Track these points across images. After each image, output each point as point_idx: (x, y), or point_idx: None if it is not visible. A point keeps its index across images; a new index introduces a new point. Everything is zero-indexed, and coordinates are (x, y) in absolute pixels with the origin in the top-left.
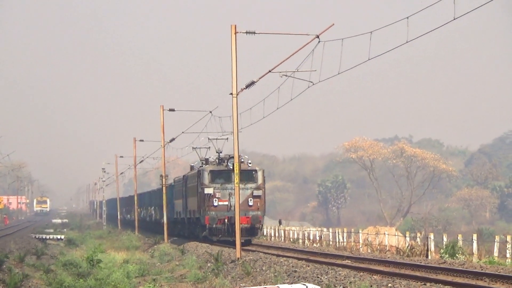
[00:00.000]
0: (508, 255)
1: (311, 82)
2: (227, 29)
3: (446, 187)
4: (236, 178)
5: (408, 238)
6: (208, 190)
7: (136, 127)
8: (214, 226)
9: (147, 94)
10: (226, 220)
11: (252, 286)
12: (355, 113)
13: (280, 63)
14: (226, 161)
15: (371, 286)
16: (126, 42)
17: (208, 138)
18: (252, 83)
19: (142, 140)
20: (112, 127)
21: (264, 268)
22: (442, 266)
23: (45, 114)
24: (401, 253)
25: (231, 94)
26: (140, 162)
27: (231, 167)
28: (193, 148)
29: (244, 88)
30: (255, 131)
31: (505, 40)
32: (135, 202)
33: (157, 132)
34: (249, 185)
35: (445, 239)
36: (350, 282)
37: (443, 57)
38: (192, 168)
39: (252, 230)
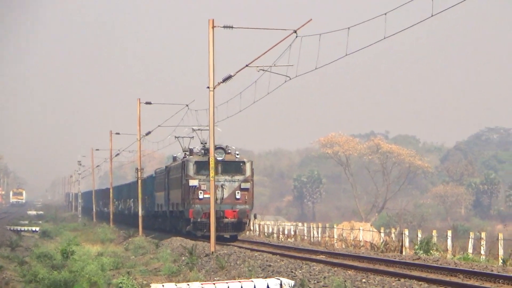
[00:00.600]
0: (482, 252)
1: (288, 77)
2: (205, 23)
3: (421, 183)
4: (211, 172)
5: (382, 234)
6: (193, 182)
7: (112, 120)
8: (199, 220)
9: (124, 87)
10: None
11: (226, 280)
12: (332, 108)
13: (257, 58)
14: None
15: (345, 281)
16: (104, 34)
17: (192, 129)
18: (229, 77)
19: (118, 133)
20: (89, 120)
21: (238, 262)
22: (416, 262)
23: (21, 106)
24: (376, 249)
25: (208, 87)
26: (116, 155)
27: (218, 158)
28: (175, 137)
29: (221, 82)
30: (232, 125)
31: (482, 39)
32: (111, 194)
33: (134, 125)
34: (237, 177)
35: (419, 235)
36: (324, 277)
37: (420, 54)
38: (174, 159)
39: (238, 225)
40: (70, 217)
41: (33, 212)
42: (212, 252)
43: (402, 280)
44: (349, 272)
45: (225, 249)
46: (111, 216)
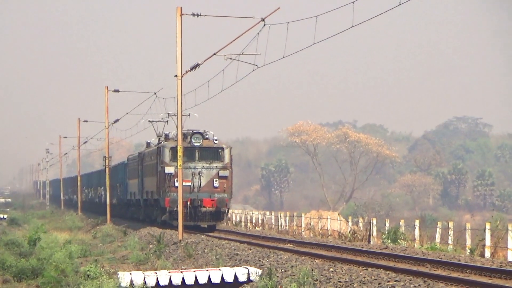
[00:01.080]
0: (450, 242)
1: (256, 65)
2: (173, 11)
3: (389, 173)
4: (179, 160)
5: (350, 223)
6: (169, 169)
7: (80, 107)
8: (175, 209)
9: (91, 74)
10: (188, 203)
11: (194, 268)
12: (300, 97)
13: (225, 46)
14: (189, 137)
15: (312, 270)
16: (71, 20)
17: (168, 114)
18: (197, 65)
19: (86, 121)
20: (56, 107)
21: (206, 250)
22: (383, 251)
23: None
24: (343, 238)
25: (176, 76)
26: (84, 143)
27: (195, 144)
28: (149, 121)
29: (188, 70)
30: (200, 114)
31: (449, 26)
32: (79, 182)
33: (102, 113)
34: (215, 164)
35: (387, 224)
36: (292, 266)
37: (388, 43)
38: (148, 144)
39: (217, 214)
40: (38, 204)
41: (1, 200)
42: (180, 240)
43: (370, 269)
44: (316, 261)
45: (193, 238)
46: (79, 204)
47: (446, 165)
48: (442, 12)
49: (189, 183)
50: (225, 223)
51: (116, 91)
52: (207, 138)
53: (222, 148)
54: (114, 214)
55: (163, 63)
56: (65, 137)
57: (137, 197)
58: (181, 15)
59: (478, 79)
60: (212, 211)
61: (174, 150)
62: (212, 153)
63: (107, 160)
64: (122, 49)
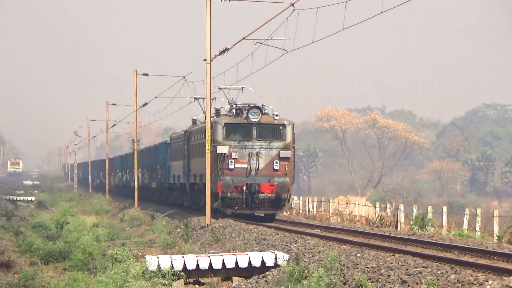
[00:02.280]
0: (477, 228)
1: (285, 50)
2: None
3: (417, 159)
4: (207, 144)
5: (378, 209)
6: (222, 149)
7: (109, 91)
8: (229, 195)
9: (121, 58)
10: (244, 188)
11: (221, 252)
12: (329, 82)
13: (255, 31)
14: (245, 112)
15: (340, 255)
16: (101, 5)
17: (219, 88)
18: (226, 49)
19: (114, 104)
20: (85, 90)
21: (233, 235)
22: (411, 237)
23: (16, 77)
24: (371, 224)
25: (205, 60)
26: (113, 126)
27: (253, 120)
28: (194, 98)
29: (218, 55)
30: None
31: (479, 15)
32: (107, 165)
33: (130, 96)
34: (275, 144)
35: (415, 210)
36: (319, 251)
37: (417, 28)
38: (194, 122)
39: (277, 202)
40: (66, 187)
41: (29, 182)
42: (208, 224)
43: (397, 255)
44: (344, 246)
45: (220, 222)
46: (107, 187)
47: (474, 151)
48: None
49: (245, 165)
50: (286, 212)
51: (145, 74)
52: (266, 114)
53: (284, 125)
54: (153, 199)
55: (192, 46)
56: (94, 120)
57: (182, 181)
58: (210, 1)
59: (506, 66)
60: (272, 197)
61: (228, 126)
62: (272, 131)
63: (135, 144)
64: (152, 33)
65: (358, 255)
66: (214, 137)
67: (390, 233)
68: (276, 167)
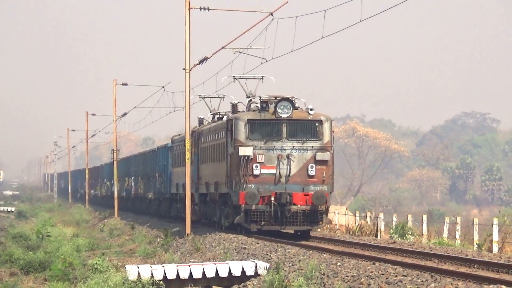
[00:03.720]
0: (457, 237)
1: (264, 59)
2: (181, 4)
3: (397, 167)
4: (187, 154)
5: (358, 218)
6: (246, 151)
7: (88, 101)
8: (253, 207)
9: (100, 68)
10: (272, 199)
11: (201, 262)
12: (308, 91)
13: (234, 40)
14: (272, 105)
15: (320, 264)
16: (79, 14)
17: (234, 77)
18: (205, 59)
19: (94, 114)
20: (65, 100)
21: (213, 244)
22: (391, 246)
23: None
24: (351, 232)
25: (184, 69)
26: (92, 136)
27: (282, 116)
28: (200, 97)
29: (197, 64)
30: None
31: (458, 23)
32: (87, 175)
33: (110, 106)
34: (310, 144)
35: (395, 219)
36: (299, 260)
37: (396, 37)
38: (201, 121)
39: (313, 216)
40: (46, 197)
41: (9, 193)
42: (188, 234)
43: (377, 263)
44: (324, 255)
45: (200, 231)
46: (87, 197)
47: (454, 160)
48: (450, 8)
49: (273, 171)
50: (324, 228)
51: (124, 84)
52: (297, 108)
53: (321, 121)
54: (149, 212)
55: (171, 56)
56: (73, 130)
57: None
58: (189, 9)
59: (486, 75)
60: (306, 210)
61: (252, 123)
62: (306, 128)
63: (115, 153)
64: (131, 43)
65: (338, 264)
66: (234, 136)
67: (370, 242)
68: (311, 173)
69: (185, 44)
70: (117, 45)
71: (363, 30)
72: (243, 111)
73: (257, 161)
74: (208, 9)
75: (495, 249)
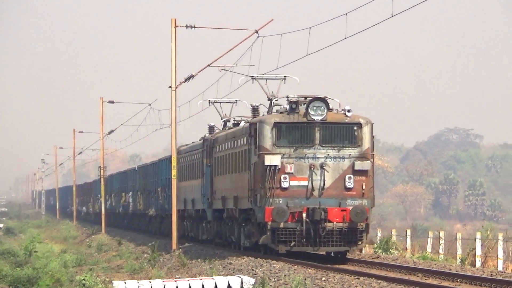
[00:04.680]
0: (441, 251)
1: (250, 76)
2: (167, 22)
3: (381, 182)
4: (173, 171)
5: None
6: (272, 160)
7: (75, 118)
8: (282, 225)
9: (87, 86)
10: (304, 215)
11: (188, 277)
12: None
13: (219, 57)
14: (302, 107)
15: (305, 279)
16: (67, 33)
17: (253, 77)
18: (191, 76)
19: (81, 132)
20: (52, 117)
21: (199, 260)
22: (375, 260)
23: None
24: None
25: (170, 87)
26: (79, 154)
27: (315, 118)
28: (210, 102)
29: (183, 82)
30: (194, 124)
31: (442, 39)
32: (74, 192)
33: (97, 123)
34: (347, 151)
35: (379, 234)
36: (285, 275)
37: (379, 54)
38: (212, 129)
39: (351, 234)
40: (34, 214)
41: None
42: (174, 249)
43: (361, 278)
44: (309, 270)
45: (186, 247)
46: (74, 213)
47: (437, 175)
48: (433, 23)
49: (305, 183)
50: (364, 248)
51: (111, 102)
52: (331, 109)
53: (360, 125)
54: (150, 230)
55: (158, 74)
56: (61, 148)
57: (198, 207)
58: (175, 27)
59: (469, 91)
60: (344, 228)
61: (279, 127)
62: (343, 133)
63: (102, 170)
64: (118, 61)
65: (323, 278)
66: (258, 143)
67: (354, 257)
68: (349, 185)
69: (171, 62)
70: (104, 64)
71: (346, 47)
72: (263, 115)
73: (286, 171)
74: (194, 27)
75: (478, 263)
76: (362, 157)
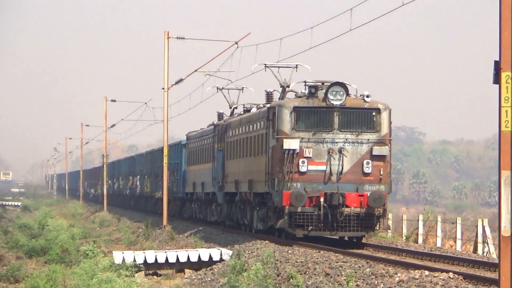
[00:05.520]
0: (389, 230)
1: (230, 80)
2: (162, 33)
3: None
4: (164, 159)
5: None
6: (291, 144)
7: (83, 113)
8: (299, 210)
9: (93, 85)
10: (322, 200)
11: (176, 249)
12: None
13: (205, 64)
14: (321, 92)
15: (274, 252)
16: (75, 41)
17: (265, 65)
18: (181, 80)
19: (88, 125)
20: (63, 111)
21: (186, 235)
22: (333, 237)
23: (4, 101)
24: None
25: (163, 88)
26: (86, 144)
27: (335, 103)
28: (218, 88)
29: (174, 84)
30: (183, 121)
31: (392, 41)
32: (81, 176)
33: (101, 118)
34: (366, 136)
35: None
36: (257, 249)
37: (340, 59)
38: (220, 115)
39: (368, 220)
40: (47, 194)
41: (16, 190)
42: (164, 226)
43: (322, 252)
44: (277, 245)
45: (175, 224)
46: (81, 194)
47: None
48: (384, 25)
49: (323, 167)
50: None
51: (113, 101)
52: (348, 95)
53: (378, 110)
54: (157, 211)
55: (153, 77)
56: (70, 138)
57: (208, 190)
58: (168, 38)
59: (415, 93)
60: (361, 213)
61: (299, 111)
62: (362, 118)
63: (105, 158)
64: (120, 64)
65: (289, 251)
66: (277, 127)
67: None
68: (367, 170)
69: (164, 67)
70: (108, 66)
71: (313, 57)
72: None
73: (304, 155)
74: (184, 38)
75: (420, 240)
76: (380, 142)
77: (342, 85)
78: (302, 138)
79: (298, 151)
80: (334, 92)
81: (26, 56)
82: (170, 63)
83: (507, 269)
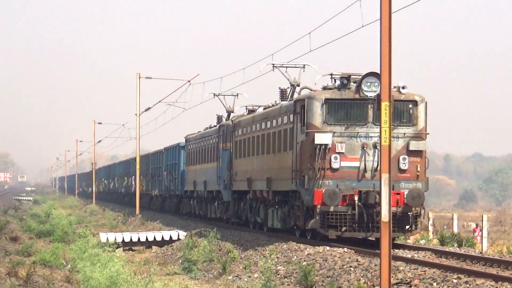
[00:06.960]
0: None
1: (184, 109)
2: (134, 74)
3: None
4: (137, 166)
5: None
6: (323, 138)
7: (76, 131)
8: (332, 209)
9: (80, 108)
10: (356, 199)
11: (145, 231)
12: None
13: (167, 96)
14: (356, 84)
15: (217, 233)
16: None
17: (273, 65)
18: (148, 108)
19: (81, 141)
20: (59, 129)
21: (153, 220)
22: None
23: (14, 108)
24: None
25: (136, 114)
26: (80, 155)
27: (369, 95)
28: (214, 95)
29: (143, 111)
30: (158, 138)
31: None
32: (76, 181)
33: (90, 135)
34: (402, 130)
35: None
36: (205, 231)
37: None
38: (219, 119)
39: (404, 220)
40: (51, 191)
41: (29, 188)
42: (137, 214)
43: (252, 233)
44: (221, 228)
45: (145, 213)
46: (76, 192)
47: None
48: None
49: (356, 163)
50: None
51: (99, 123)
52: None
53: (415, 102)
54: (151, 207)
55: (128, 104)
56: (68, 151)
57: (211, 188)
58: (139, 78)
59: None
60: (397, 213)
61: (331, 104)
62: (398, 111)
63: (94, 165)
64: (104, 94)
65: (229, 233)
66: (306, 121)
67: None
68: (403, 166)
69: (137, 98)
70: (94, 92)
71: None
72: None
73: (337, 151)
74: (151, 78)
75: (484, 247)
76: (417, 136)
77: (377, 76)
78: (334, 132)
79: (330, 146)
80: (368, 83)
81: (25, 57)
82: (141, 95)
83: None
